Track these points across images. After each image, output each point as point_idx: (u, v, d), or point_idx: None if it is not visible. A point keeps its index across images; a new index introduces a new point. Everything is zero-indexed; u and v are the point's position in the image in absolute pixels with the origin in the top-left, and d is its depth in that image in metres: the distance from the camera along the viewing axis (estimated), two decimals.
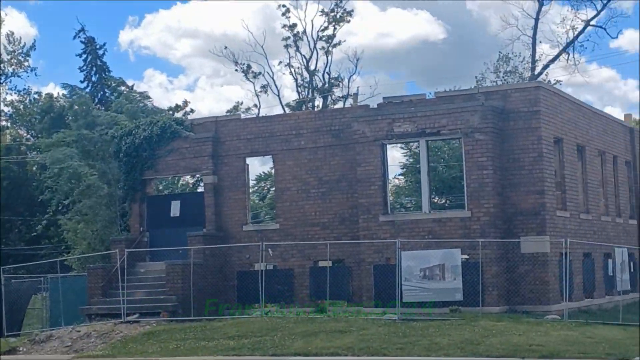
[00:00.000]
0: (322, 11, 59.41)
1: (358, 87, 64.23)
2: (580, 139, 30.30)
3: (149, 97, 49.68)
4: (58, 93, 59.94)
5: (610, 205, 32.92)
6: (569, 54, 56.13)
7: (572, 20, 55.76)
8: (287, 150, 30.12)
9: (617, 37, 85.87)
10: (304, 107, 57.80)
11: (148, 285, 29.70)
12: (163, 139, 31.85)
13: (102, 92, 62.04)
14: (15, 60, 64.27)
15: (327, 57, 59.98)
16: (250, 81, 60.68)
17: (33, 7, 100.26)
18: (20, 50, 64.65)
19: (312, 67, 60.17)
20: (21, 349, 26.54)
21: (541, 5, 55.40)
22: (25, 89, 67.51)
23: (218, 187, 30.95)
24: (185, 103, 55.15)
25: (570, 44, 55.71)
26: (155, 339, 24.78)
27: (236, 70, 60.62)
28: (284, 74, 73.79)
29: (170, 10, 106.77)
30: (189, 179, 47.67)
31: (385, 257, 27.27)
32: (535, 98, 27.22)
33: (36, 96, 66.55)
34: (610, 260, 30.38)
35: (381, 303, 26.63)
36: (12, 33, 64.72)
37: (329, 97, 59.71)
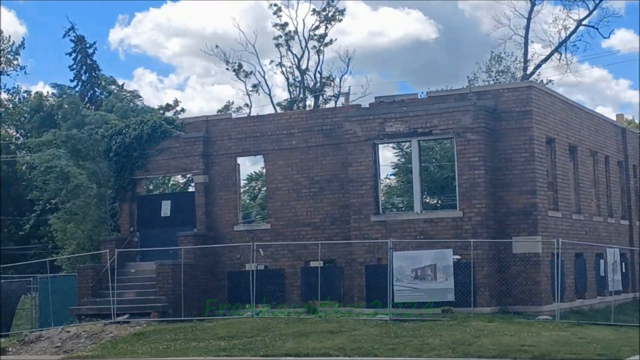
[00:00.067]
0: (314, 10, 59.34)
1: (350, 86, 64.22)
2: (572, 139, 30.28)
3: (140, 96, 49.53)
4: (47, 92, 59.75)
5: (602, 205, 32.92)
6: (561, 54, 56.28)
7: (564, 20, 55.92)
8: (278, 149, 30.02)
9: (609, 37, 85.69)
10: (296, 106, 57.70)
11: (138, 286, 29.56)
12: (153, 138, 31.73)
13: (92, 91, 61.81)
14: (5, 59, 63.97)
15: (318, 56, 59.94)
16: (242, 80, 60.58)
17: (22, 5, 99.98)
18: (9, 49, 64.35)
19: (303, 67, 60.09)
20: (10, 349, 26.40)
21: (533, 4, 55.53)
22: (14, 87, 67.29)
23: (209, 186, 30.83)
24: (176, 102, 54.97)
25: (562, 43, 55.81)
26: (146, 339, 24.67)
27: (227, 69, 60.52)
28: (275, 73, 73.73)
29: (160, 9, 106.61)
30: (179, 178, 47.49)
31: (377, 258, 27.20)
32: (527, 98, 27.19)
33: (25, 95, 66.32)
34: (602, 261, 30.37)
35: (373, 303, 26.55)
36: (1, 32, 64.46)
37: (321, 97, 59.63)
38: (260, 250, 28.99)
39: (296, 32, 59.54)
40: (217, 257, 29.97)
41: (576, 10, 56.34)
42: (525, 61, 55.75)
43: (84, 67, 62.95)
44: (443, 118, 27.00)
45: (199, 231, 30.40)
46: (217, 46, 60.67)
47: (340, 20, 60.14)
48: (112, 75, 63.11)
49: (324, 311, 26.82)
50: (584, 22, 55.64)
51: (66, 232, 41.83)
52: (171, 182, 49.26)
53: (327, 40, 59.59)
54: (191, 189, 36.93)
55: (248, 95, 60.67)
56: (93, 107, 54.44)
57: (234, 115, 35.47)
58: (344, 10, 60.32)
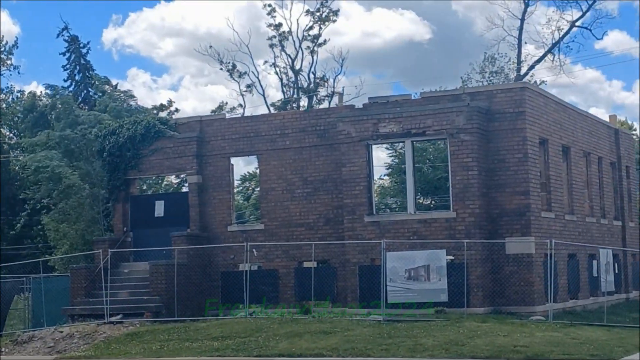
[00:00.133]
0: (308, 11, 59.32)
1: (343, 87, 64.23)
2: (565, 140, 30.33)
3: (134, 96, 49.45)
4: (41, 92, 59.58)
5: (595, 206, 32.99)
6: (554, 55, 56.34)
7: (558, 21, 55.98)
8: (272, 150, 30.02)
9: (602, 38, 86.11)
10: (289, 107, 57.68)
11: (131, 286, 29.53)
12: (147, 138, 31.71)
13: (85, 91, 61.72)
14: None
15: (312, 56, 59.89)
16: (235, 80, 60.50)
17: (16, 5, 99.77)
18: (2, 49, 64.19)
19: (297, 67, 60.07)
20: (3, 349, 26.35)
21: (527, 5, 55.60)
22: (7, 87, 67.15)
23: (202, 187, 30.82)
24: (170, 102, 54.87)
25: (555, 44, 55.88)
26: (139, 339, 24.65)
27: (221, 69, 60.42)
28: (269, 73, 73.56)
29: (154, 9, 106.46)
30: (172, 179, 47.45)
31: (370, 258, 27.21)
32: (520, 99, 27.23)
33: (19, 95, 66.17)
34: (594, 262, 30.43)
35: (366, 304, 26.57)
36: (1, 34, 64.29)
37: (314, 97, 59.60)
38: (254, 250, 28.97)
39: (290, 32, 59.52)
40: (210, 257, 29.95)
41: (569, 12, 56.51)
42: (519, 62, 55.82)
43: (78, 67, 62.86)
44: (436, 119, 27.03)
45: (192, 231, 30.38)
46: (210, 46, 60.42)
47: (334, 21, 60.12)
48: (106, 75, 62.92)
49: (317, 311, 26.82)
50: (577, 24, 55.79)
51: (59, 231, 41.75)
52: (164, 183, 49.22)
53: (321, 40, 59.57)
54: (185, 189, 36.89)
55: (242, 95, 60.64)
56: (87, 107, 54.35)
57: (227, 116, 35.47)
58: (338, 10, 60.32)
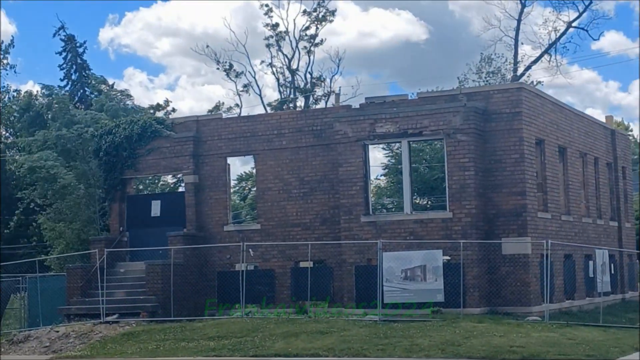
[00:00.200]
0: (305, 11, 59.35)
1: (340, 87, 63.94)
2: (561, 141, 30.36)
3: (130, 96, 49.44)
4: (37, 91, 59.48)
5: (592, 206, 33.01)
6: (551, 56, 56.42)
7: (554, 22, 56.09)
8: (268, 150, 30.02)
9: (598, 39, 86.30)
10: (286, 107, 57.68)
11: (128, 286, 29.52)
12: (144, 138, 31.70)
13: (82, 91, 61.66)
14: None
15: (309, 56, 59.93)
16: (232, 80, 60.51)
17: (12, 4, 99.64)
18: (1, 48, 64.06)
19: (294, 67, 60.07)
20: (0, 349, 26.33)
21: (523, 6, 55.65)
22: (4, 86, 67.05)
23: (199, 186, 30.81)
24: (167, 102, 54.84)
25: (552, 45, 55.96)
26: (135, 339, 24.63)
27: (217, 69, 60.45)
28: (265, 73, 73.85)
29: (150, 9, 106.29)
30: (169, 178, 47.41)
31: (367, 258, 27.22)
32: (517, 99, 27.25)
33: (15, 94, 66.08)
34: (591, 262, 30.45)
35: (363, 304, 26.57)
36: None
37: (311, 97, 59.61)
38: (250, 250, 28.98)
39: (287, 32, 59.56)
40: (207, 257, 29.94)
41: (566, 12, 56.58)
42: (515, 63, 55.88)
43: (74, 67, 62.78)
44: (433, 119, 27.03)
45: (188, 231, 30.37)
46: (207, 46, 60.53)
47: (330, 21, 60.18)
48: (102, 75, 62.99)
49: (313, 311, 26.83)
50: (573, 24, 55.88)
51: (55, 231, 41.68)
52: (161, 182, 49.19)
53: (317, 40, 59.62)
54: (181, 189, 36.87)
55: (238, 95, 60.66)
56: (83, 107, 54.24)
57: (224, 116, 35.44)
58: (335, 11, 60.41)
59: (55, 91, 52.36)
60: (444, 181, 27.86)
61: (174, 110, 55.12)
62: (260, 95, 60.90)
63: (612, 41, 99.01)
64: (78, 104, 57.04)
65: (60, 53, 63.26)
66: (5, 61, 63.89)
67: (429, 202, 45.53)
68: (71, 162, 40.15)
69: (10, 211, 53.86)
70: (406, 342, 21.34)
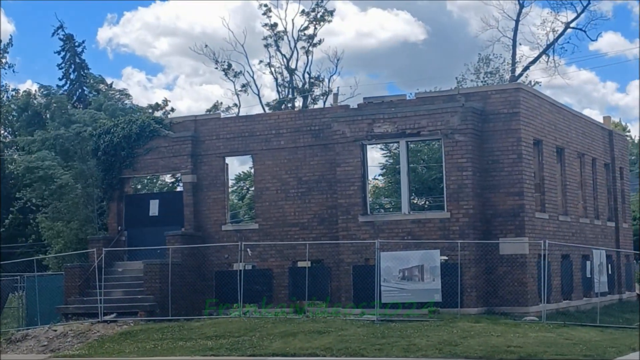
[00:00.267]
0: (303, 11, 59.38)
1: (338, 87, 64.04)
2: (559, 141, 30.40)
3: (129, 95, 49.44)
4: (35, 90, 59.50)
5: (589, 207, 33.05)
6: (548, 56, 56.42)
7: (552, 23, 56.14)
8: (266, 150, 30.03)
9: (596, 40, 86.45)
10: (284, 107, 57.68)
11: (126, 285, 29.52)
12: (142, 137, 31.70)
13: (80, 90, 61.67)
14: None
15: (307, 56, 59.92)
16: (230, 80, 60.50)
17: (11, 3, 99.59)
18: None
19: (292, 67, 60.07)
20: None
21: (521, 7, 55.68)
22: (2, 86, 67.03)
23: (197, 186, 30.82)
24: (165, 102, 54.83)
25: (550, 46, 55.98)
26: (133, 338, 24.65)
27: (216, 69, 60.45)
28: (264, 73, 73.72)
29: (149, 8, 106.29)
30: (167, 178, 47.44)
31: (365, 258, 27.24)
32: (515, 100, 27.28)
33: (13, 93, 66.08)
34: (588, 262, 30.48)
35: (360, 304, 26.58)
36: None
37: (309, 97, 59.61)
38: (248, 250, 28.99)
39: (285, 32, 59.56)
40: (204, 256, 29.95)
41: (564, 13, 56.78)
42: (513, 63, 55.89)
43: (73, 66, 62.78)
44: (431, 119, 27.06)
45: (186, 231, 30.38)
46: (206, 46, 60.32)
47: (329, 21, 60.17)
48: (101, 74, 62.90)
49: (311, 311, 26.84)
50: (571, 25, 55.89)
51: (53, 230, 41.72)
52: (159, 182, 49.22)
53: (316, 40, 59.62)
54: (179, 189, 36.87)
55: (237, 95, 60.65)
56: (81, 106, 54.27)
57: (222, 115, 35.46)
58: (333, 11, 60.41)
59: (53, 91, 52.33)
60: (442, 181, 27.89)
61: (172, 109, 55.13)
62: (258, 95, 60.95)
63: (609, 42, 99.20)
64: (76, 103, 57.06)
65: (58, 52, 63.29)
66: (3, 60, 63.90)
67: (427, 202, 45.57)
68: (69, 162, 40.19)
69: (9, 211, 53.88)
70: (404, 341, 21.37)
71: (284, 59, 59.98)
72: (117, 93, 49.30)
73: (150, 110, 50.34)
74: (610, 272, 32.68)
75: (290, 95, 60.40)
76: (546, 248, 25.74)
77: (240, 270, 27.61)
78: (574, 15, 55.54)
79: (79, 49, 63.49)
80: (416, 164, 44.31)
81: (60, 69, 63.12)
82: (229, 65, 59.96)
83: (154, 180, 46.91)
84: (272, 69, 60.16)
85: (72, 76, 62.65)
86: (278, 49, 59.84)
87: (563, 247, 29.28)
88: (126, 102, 47.69)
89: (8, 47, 64.65)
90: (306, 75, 60.27)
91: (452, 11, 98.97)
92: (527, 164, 27.38)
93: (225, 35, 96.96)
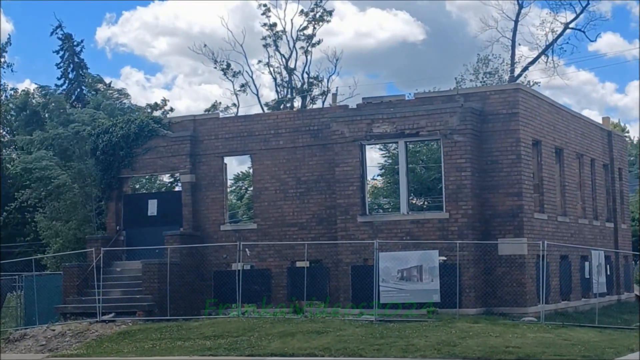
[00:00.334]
0: (302, 11, 59.37)
1: (337, 87, 64.15)
2: (558, 142, 30.40)
3: (128, 95, 49.40)
4: (34, 90, 59.47)
5: (588, 207, 33.06)
6: (547, 57, 56.45)
7: (551, 23, 56.14)
8: (265, 149, 30.03)
9: (595, 40, 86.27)
10: (283, 106, 57.68)
11: (124, 285, 29.52)
12: (140, 137, 31.69)
13: (79, 89, 61.65)
14: None
15: (306, 56, 59.93)
16: (229, 80, 60.49)
17: (9, 3, 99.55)
18: None
19: (291, 67, 60.07)
20: None
21: (520, 7, 55.71)
22: (1, 85, 66.99)
23: (196, 186, 30.81)
24: (164, 101, 54.81)
25: (549, 46, 56.00)
26: (131, 338, 24.63)
27: (215, 68, 60.44)
28: (263, 73, 73.69)
29: (147, 8, 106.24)
30: (165, 178, 47.43)
31: (363, 258, 27.23)
32: (514, 100, 27.28)
33: (12, 92, 66.05)
34: (587, 263, 30.49)
35: (359, 304, 26.58)
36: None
37: (308, 97, 59.60)
38: (247, 250, 28.98)
39: (284, 32, 59.57)
40: (203, 256, 29.94)
41: (563, 13, 56.84)
42: (512, 63, 55.92)
43: (71, 65, 62.77)
44: (430, 119, 27.06)
45: (185, 230, 30.37)
46: (205, 45, 60.32)
47: (328, 21, 60.18)
48: (99, 74, 62.84)
49: (309, 311, 26.84)
50: (570, 25, 55.93)
51: (51, 229, 41.68)
52: (157, 182, 49.21)
53: (315, 40, 59.62)
54: (178, 188, 36.84)
55: (236, 94, 60.64)
56: (80, 105, 54.24)
57: (221, 115, 35.46)
58: (332, 11, 60.42)
59: (51, 90, 52.30)
60: (441, 182, 27.87)
61: (171, 109, 55.10)
62: (257, 95, 60.94)
63: (608, 42, 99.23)
64: (75, 102, 57.02)
65: (57, 52, 63.29)
66: (2, 60, 63.85)
67: (426, 203, 45.57)
68: (67, 162, 40.14)
69: (5, 209, 53.83)
70: (402, 342, 21.37)
71: (283, 59, 60.01)
72: (116, 93, 49.26)
73: (149, 110, 50.31)
74: (608, 272, 32.69)
75: (289, 95, 60.40)
76: (545, 249, 25.73)
77: (239, 270, 27.59)
78: (573, 15, 55.65)
79: (78, 49, 63.50)
80: (415, 164, 44.31)
81: (58, 68, 63.15)
82: (228, 65, 59.97)
83: (153, 180, 46.91)
84: (271, 69, 60.21)
85: (70, 75, 62.64)
86: (277, 48, 59.88)
87: (562, 248, 29.29)
88: (125, 101, 47.64)
89: (7, 47, 64.59)
90: (305, 75, 60.32)
91: (451, 11, 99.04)
92: (526, 165, 27.39)
93: (224, 35, 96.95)
